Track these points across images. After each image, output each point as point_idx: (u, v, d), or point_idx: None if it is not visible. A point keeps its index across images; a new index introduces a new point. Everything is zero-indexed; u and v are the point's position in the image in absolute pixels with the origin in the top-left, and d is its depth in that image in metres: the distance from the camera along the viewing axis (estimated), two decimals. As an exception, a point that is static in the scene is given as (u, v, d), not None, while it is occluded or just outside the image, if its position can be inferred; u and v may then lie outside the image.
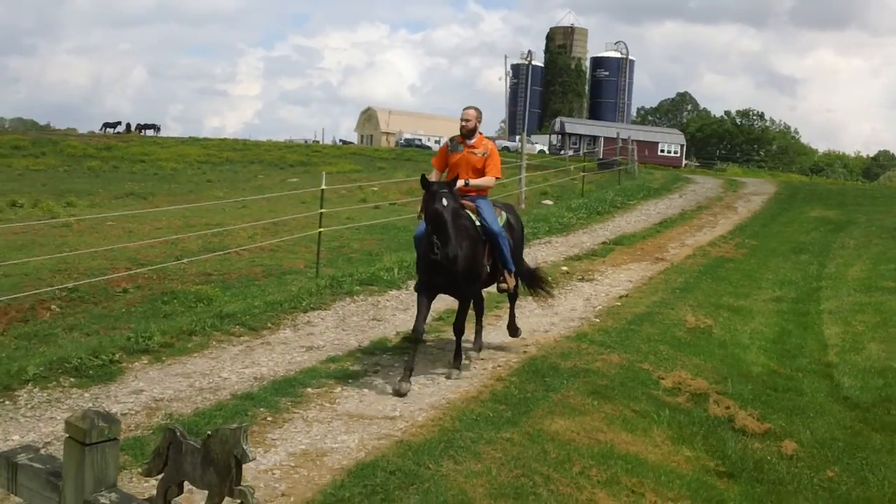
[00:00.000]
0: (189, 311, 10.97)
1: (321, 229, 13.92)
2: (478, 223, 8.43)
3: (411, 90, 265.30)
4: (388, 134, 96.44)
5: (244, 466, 2.14)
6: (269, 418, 6.96)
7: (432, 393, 7.85)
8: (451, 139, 9.10)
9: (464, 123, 8.85)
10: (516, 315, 9.84)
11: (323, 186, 14.44)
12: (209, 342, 9.33)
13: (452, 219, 7.73)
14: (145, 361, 8.52)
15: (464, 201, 8.33)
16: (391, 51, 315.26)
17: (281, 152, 53.30)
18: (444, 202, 7.68)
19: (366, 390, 7.92)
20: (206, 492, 2.11)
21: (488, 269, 8.69)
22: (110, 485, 2.33)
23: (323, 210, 14.28)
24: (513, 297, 9.69)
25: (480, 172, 8.77)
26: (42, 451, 2.66)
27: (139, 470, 5.58)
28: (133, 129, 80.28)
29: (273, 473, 5.93)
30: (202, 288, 12.38)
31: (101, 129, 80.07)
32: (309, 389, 7.86)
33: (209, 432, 2.09)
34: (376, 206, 24.70)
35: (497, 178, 9.13)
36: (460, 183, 8.38)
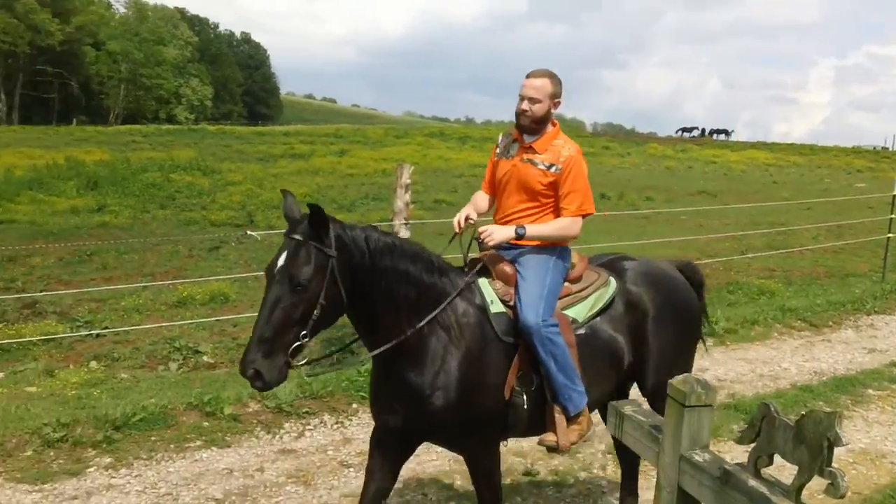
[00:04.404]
0: (752, 302, 10.78)
1: (890, 234, 12.65)
2: (496, 305, 3.65)
3: None
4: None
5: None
6: (828, 412, 6.55)
7: None
8: (505, 135, 4.03)
9: (523, 108, 3.78)
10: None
11: (895, 192, 13.10)
12: (770, 333, 9.09)
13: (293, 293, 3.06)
14: (710, 343, 8.58)
15: (497, 257, 3.82)
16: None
17: (848, 158, 49.41)
18: (288, 257, 3.10)
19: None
20: (796, 467, 2.06)
21: (524, 402, 3.63)
22: (703, 445, 2.40)
23: (893, 216, 12.95)
24: (628, 464, 4.51)
25: (540, 198, 3.82)
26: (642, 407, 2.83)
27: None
28: (706, 133, 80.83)
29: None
30: (765, 282, 12.07)
31: (677, 133, 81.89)
32: (870, 391, 7.27)
33: (802, 412, 2.04)
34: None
35: (584, 216, 3.81)
36: (497, 234, 3.76)
